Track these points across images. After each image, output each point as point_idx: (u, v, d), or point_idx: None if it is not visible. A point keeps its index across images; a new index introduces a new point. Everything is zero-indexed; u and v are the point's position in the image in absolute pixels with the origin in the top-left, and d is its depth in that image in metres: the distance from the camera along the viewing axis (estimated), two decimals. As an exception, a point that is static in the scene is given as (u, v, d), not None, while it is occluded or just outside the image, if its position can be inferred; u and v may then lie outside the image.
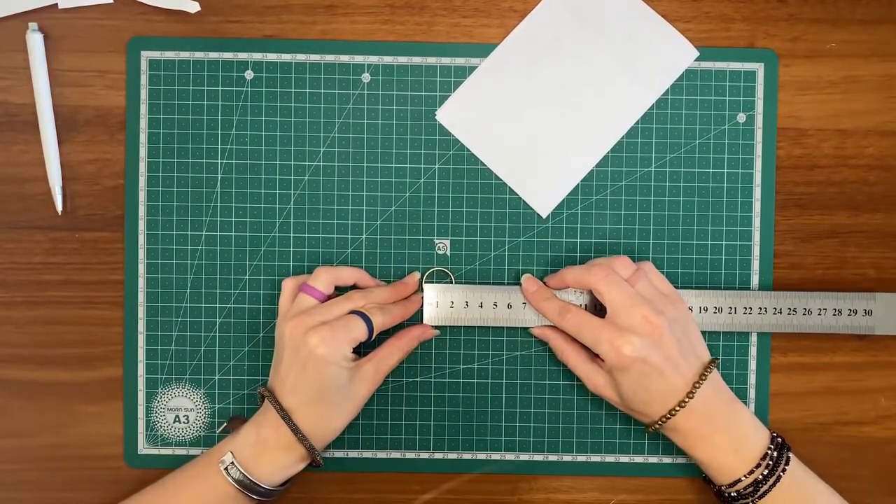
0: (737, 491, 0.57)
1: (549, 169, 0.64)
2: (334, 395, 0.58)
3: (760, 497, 0.57)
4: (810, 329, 0.62)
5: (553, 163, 0.64)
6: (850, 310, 0.62)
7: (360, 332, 0.58)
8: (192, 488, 0.58)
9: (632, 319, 0.57)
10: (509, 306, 0.62)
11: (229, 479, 0.57)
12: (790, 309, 0.62)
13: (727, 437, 0.58)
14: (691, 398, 0.57)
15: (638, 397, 0.58)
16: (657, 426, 0.58)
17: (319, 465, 0.59)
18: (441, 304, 0.62)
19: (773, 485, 0.57)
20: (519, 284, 0.63)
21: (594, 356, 0.60)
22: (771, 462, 0.57)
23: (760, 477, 0.57)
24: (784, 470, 0.57)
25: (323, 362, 0.57)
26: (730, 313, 0.62)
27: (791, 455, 0.58)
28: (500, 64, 0.64)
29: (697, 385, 0.57)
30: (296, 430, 0.57)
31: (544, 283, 0.62)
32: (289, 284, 0.61)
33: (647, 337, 0.57)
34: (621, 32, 0.63)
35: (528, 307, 0.62)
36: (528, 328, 0.63)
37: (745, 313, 0.62)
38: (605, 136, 0.64)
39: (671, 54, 0.63)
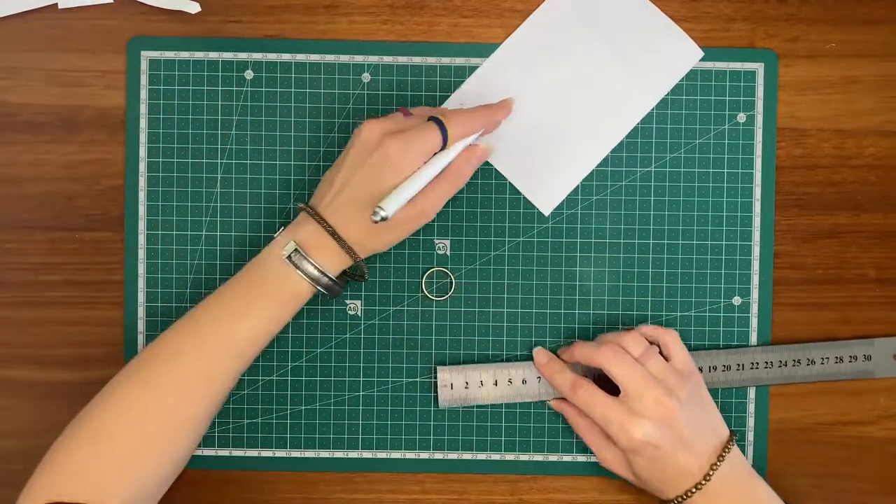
0: None
1: (552, 167, 0.63)
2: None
3: None
4: (813, 378, 0.63)
5: (556, 161, 0.63)
6: (850, 356, 0.63)
7: (433, 143, 0.55)
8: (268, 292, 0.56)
9: (644, 402, 0.56)
10: (524, 382, 0.63)
11: (299, 274, 0.55)
12: (794, 361, 0.63)
13: None
14: (708, 480, 0.56)
15: (652, 477, 0.58)
16: None
17: (365, 277, 0.58)
18: (455, 385, 0.63)
19: None
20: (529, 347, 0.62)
21: (611, 442, 0.60)
22: None
23: None
24: None
25: (391, 170, 0.54)
26: (738, 370, 0.63)
27: None
28: (502, 62, 0.63)
29: (715, 466, 0.57)
30: (329, 228, 0.55)
31: (557, 355, 0.62)
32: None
33: (659, 420, 0.56)
34: (625, 32, 0.63)
35: (542, 381, 0.62)
36: (544, 401, 0.63)
37: (752, 369, 0.63)
38: (607, 135, 0.63)
39: (675, 54, 0.63)
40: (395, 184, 0.54)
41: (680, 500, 0.57)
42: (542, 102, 0.63)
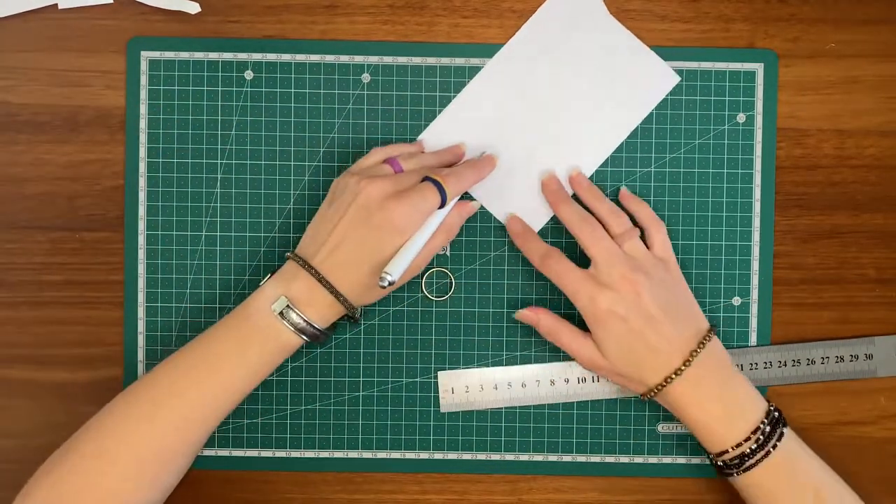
0: (723, 461, 0.57)
1: (526, 195, 0.63)
2: (377, 266, 0.56)
3: (745, 470, 0.56)
4: (814, 378, 0.63)
5: (532, 188, 0.63)
6: (851, 355, 0.63)
7: (433, 204, 0.57)
8: (255, 344, 0.57)
9: (611, 277, 0.57)
10: (523, 385, 0.63)
11: (289, 328, 0.56)
12: (794, 361, 0.63)
13: (720, 405, 0.57)
14: (688, 366, 0.57)
15: (624, 358, 0.57)
16: (653, 394, 0.58)
17: (357, 319, 0.59)
18: (456, 390, 0.63)
19: (760, 460, 0.56)
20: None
21: (584, 334, 0.60)
22: (762, 437, 0.56)
23: (748, 451, 0.56)
24: (775, 446, 0.56)
25: (394, 232, 0.55)
26: (738, 370, 0.62)
27: (786, 430, 0.57)
28: (476, 94, 0.63)
29: (695, 353, 0.57)
30: (327, 284, 0.56)
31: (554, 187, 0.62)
32: (378, 155, 0.60)
33: (625, 293, 0.57)
34: (603, 58, 0.63)
35: (542, 384, 0.63)
36: (545, 403, 0.63)
37: (751, 369, 0.63)
38: (584, 164, 0.63)
39: (653, 81, 0.63)
40: (396, 245, 0.56)
41: (660, 387, 0.57)
42: (518, 131, 0.63)
